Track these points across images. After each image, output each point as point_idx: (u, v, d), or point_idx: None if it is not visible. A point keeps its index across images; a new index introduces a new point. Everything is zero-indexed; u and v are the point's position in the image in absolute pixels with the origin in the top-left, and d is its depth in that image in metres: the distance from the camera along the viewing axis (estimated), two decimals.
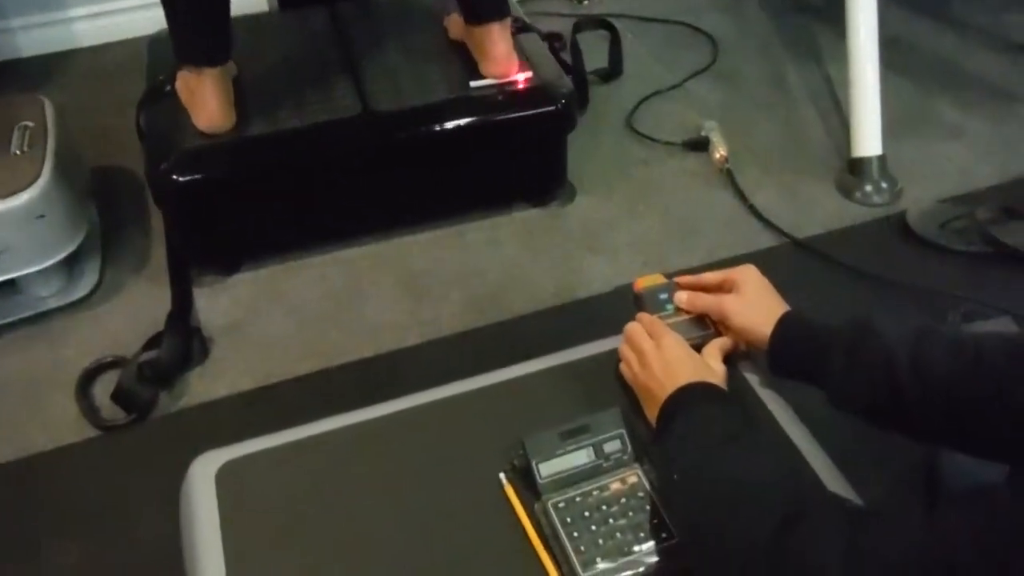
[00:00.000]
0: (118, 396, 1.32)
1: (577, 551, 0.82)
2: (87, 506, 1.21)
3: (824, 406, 0.91)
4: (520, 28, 1.67)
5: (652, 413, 0.91)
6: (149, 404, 1.33)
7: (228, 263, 1.57)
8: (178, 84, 1.51)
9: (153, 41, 1.76)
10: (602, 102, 1.94)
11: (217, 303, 1.51)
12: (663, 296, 1.05)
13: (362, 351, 1.41)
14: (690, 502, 0.79)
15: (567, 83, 1.62)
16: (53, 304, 1.49)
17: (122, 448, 1.28)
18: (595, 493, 0.87)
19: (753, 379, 1.00)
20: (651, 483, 0.88)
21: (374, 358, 1.40)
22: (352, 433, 0.96)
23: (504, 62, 1.55)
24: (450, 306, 1.48)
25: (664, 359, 0.92)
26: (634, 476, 0.88)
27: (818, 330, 0.92)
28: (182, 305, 1.48)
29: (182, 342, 1.39)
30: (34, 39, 2.18)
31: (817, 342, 0.91)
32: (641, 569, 0.82)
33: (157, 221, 1.64)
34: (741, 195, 1.68)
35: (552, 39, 1.89)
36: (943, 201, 1.62)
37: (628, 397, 0.97)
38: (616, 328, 1.01)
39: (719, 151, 1.75)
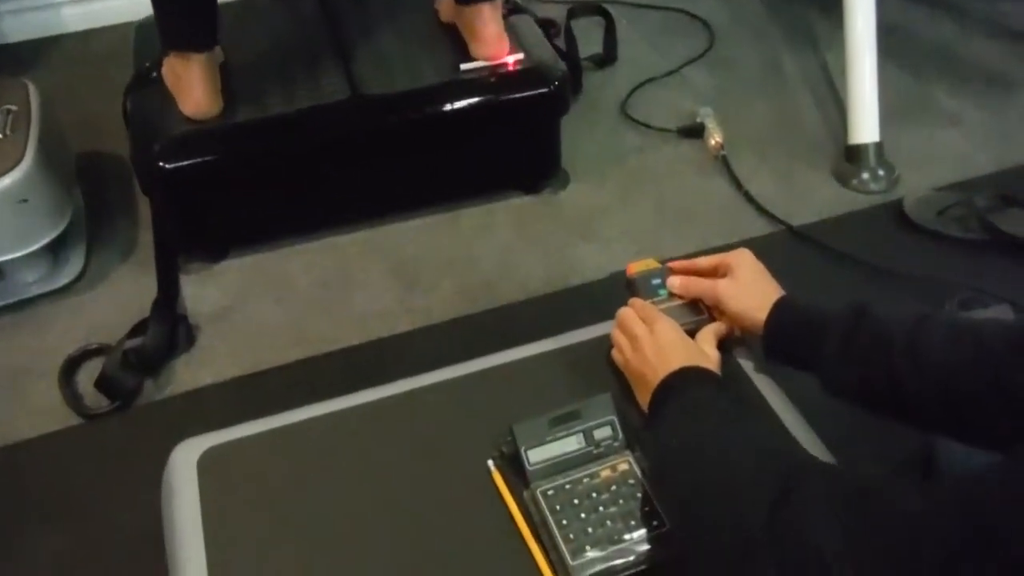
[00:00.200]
0: (102, 384, 1.30)
1: (566, 539, 0.80)
2: (70, 495, 1.19)
3: (820, 395, 0.89)
4: (512, 10, 1.65)
5: (644, 399, 0.89)
6: (133, 392, 1.31)
7: (215, 250, 1.55)
8: (164, 70, 1.49)
9: (140, 27, 1.74)
10: (596, 89, 1.92)
11: (204, 290, 1.49)
12: (656, 281, 1.03)
13: (351, 339, 1.39)
14: (681, 484, 0.76)
15: (560, 65, 1.59)
16: (37, 291, 1.47)
17: (106, 436, 1.27)
18: (585, 480, 0.85)
19: (747, 365, 0.98)
20: (642, 471, 0.86)
21: (363, 346, 1.38)
22: (337, 420, 0.94)
23: (495, 44, 1.52)
24: (441, 293, 1.47)
25: (657, 344, 0.90)
26: (625, 463, 0.86)
27: (814, 315, 0.91)
28: (168, 292, 1.46)
29: (168, 329, 1.37)
30: (21, 24, 2.16)
31: (813, 327, 0.89)
32: (631, 558, 0.80)
33: (144, 207, 1.62)
34: (736, 182, 1.66)
35: (546, 25, 1.87)
36: (940, 189, 1.60)
37: (620, 383, 0.95)
38: (609, 315, 1.00)
39: (714, 138, 1.73)
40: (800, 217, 1.58)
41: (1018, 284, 1.36)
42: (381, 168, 1.55)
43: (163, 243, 1.53)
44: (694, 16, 2.15)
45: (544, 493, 0.83)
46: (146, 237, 1.57)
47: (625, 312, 0.97)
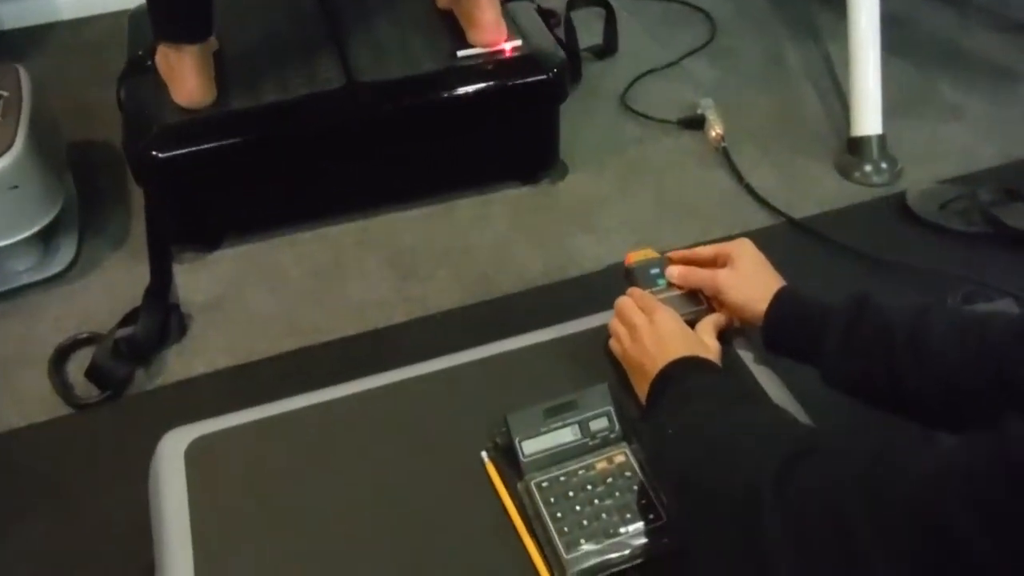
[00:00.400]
0: (92, 373, 1.28)
1: (561, 532, 0.78)
2: (60, 485, 1.18)
3: (821, 387, 0.87)
4: None
5: (643, 389, 0.87)
6: (124, 381, 1.29)
7: (209, 239, 1.53)
8: (158, 59, 1.47)
9: (134, 15, 1.72)
10: (596, 79, 1.90)
11: (197, 280, 1.47)
12: (655, 271, 1.01)
13: (346, 329, 1.37)
14: (681, 461, 0.74)
15: (559, 52, 1.57)
16: (28, 279, 1.45)
17: (96, 426, 1.25)
18: (580, 472, 0.83)
19: (747, 356, 0.96)
20: (639, 463, 0.84)
21: (358, 336, 1.36)
22: (328, 410, 0.92)
23: (492, 30, 1.50)
24: (437, 284, 1.45)
25: (656, 333, 0.88)
26: (621, 455, 0.84)
27: (815, 307, 0.89)
28: (161, 281, 1.44)
29: (159, 319, 1.36)
30: (14, 11, 2.14)
31: (814, 319, 0.88)
32: (627, 551, 0.78)
33: (137, 196, 1.60)
34: (737, 174, 1.64)
35: (547, 15, 1.85)
36: (943, 182, 1.59)
37: (617, 374, 0.93)
38: (607, 307, 0.98)
39: (715, 129, 1.71)
40: (802, 210, 1.56)
41: (1021, 278, 1.35)
42: (377, 157, 1.53)
43: (156, 232, 1.51)
44: (696, 7, 2.14)
45: (538, 485, 0.82)
46: (139, 226, 1.55)
47: (624, 301, 0.95)
